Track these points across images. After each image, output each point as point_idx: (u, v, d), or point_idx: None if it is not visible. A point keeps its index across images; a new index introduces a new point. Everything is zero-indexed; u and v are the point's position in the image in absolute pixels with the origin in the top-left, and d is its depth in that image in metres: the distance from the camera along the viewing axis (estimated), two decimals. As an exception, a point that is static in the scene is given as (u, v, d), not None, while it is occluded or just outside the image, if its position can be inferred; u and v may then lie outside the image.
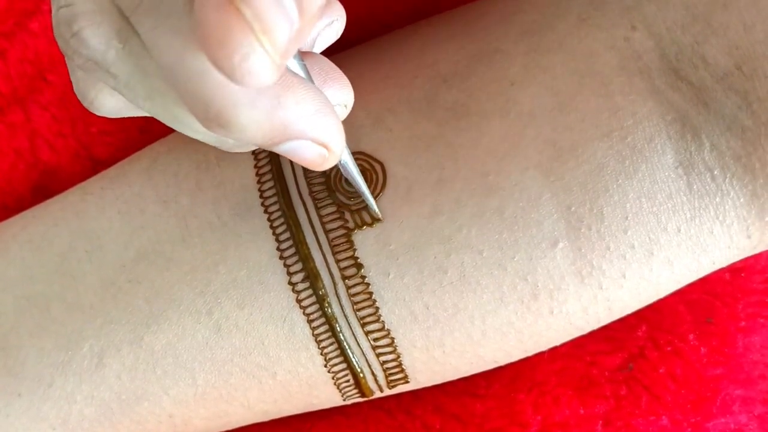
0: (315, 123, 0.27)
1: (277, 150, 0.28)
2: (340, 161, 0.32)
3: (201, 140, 0.31)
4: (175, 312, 0.37)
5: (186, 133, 0.30)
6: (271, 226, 0.37)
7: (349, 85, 0.31)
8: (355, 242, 0.36)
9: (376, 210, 0.36)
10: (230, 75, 0.24)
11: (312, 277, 0.36)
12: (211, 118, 0.26)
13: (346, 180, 0.37)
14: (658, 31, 0.35)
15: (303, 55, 0.29)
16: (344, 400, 0.39)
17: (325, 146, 0.28)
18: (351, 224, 0.36)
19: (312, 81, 0.29)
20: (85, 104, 0.31)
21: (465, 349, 0.37)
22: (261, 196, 0.37)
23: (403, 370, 0.38)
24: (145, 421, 0.39)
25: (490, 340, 0.37)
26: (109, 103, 0.30)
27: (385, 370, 0.38)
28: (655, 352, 0.42)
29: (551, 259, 0.35)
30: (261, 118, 0.26)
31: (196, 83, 0.25)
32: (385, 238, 0.36)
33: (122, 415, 0.38)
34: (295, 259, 0.36)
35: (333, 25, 0.31)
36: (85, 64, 0.28)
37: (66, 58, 0.29)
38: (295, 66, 0.28)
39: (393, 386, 0.39)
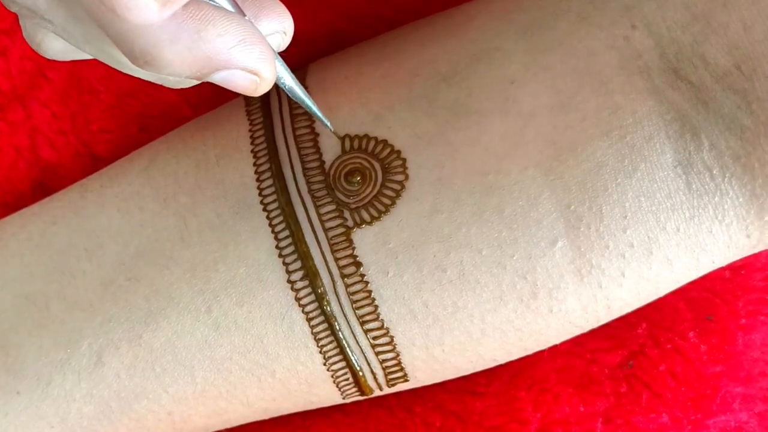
0: (239, 53, 0.27)
1: (210, 80, 0.28)
2: (285, 86, 0.32)
3: (144, 78, 0.31)
4: (174, 310, 0.37)
5: (129, 73, 0.31)
6: (270, 225, 0.37)
7: (286, 12, 0.31)
8: (354, 240, 0.36)
9: (328, 123, 0.36)
10: (112, 10, 0.24)
11: (311, 275, 0.36)
12: (137, 56, 0.26)
13: (346, 178, 0.37)
14: (658, 31, 0.35)
15: None
16: (344, 398, 0.40)
17: (255, 73, 0.28)
18: (350, 222, 0.36)
19: (242, 13, 0.29)
20: (34, 47, 0.31)
21: (465, 348, 0.37)
22: (260, 194, 0.37)
23: (402, 369, 0.38)
24: (144, 419, 0.39)
25: (490, 338, 0.37)
26: (55, 46, 0.31)
27: (384, 369, 0.38)
28: (655, 349, 0.42)
29: (550, 257, 0.35)
30: (183, 52, 0.27)
31: (117, 25, 0.26)
32: (384, 237, 0.36)
33: (121, 413, 0.38)
34: (294, 257, 0.37)
35: None
36: (21, 11, 0.29)
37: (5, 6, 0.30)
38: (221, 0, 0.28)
39: (392, 385, 0.39)
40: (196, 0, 0.27)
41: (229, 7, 0.28)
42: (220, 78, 0.28)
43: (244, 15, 0.29)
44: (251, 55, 0.28)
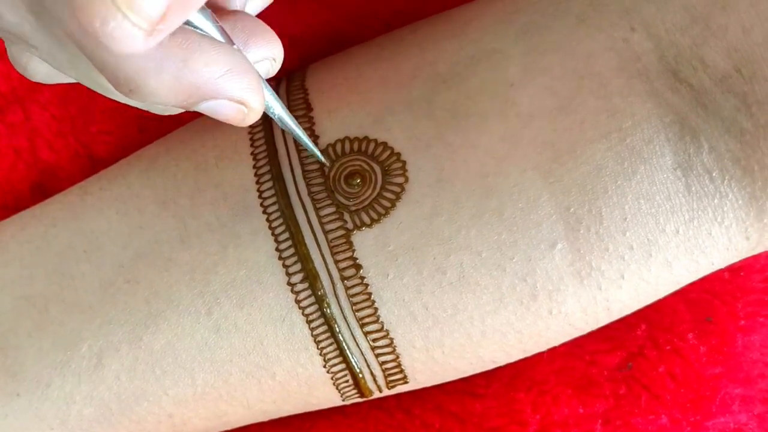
0: (226, 83, 0.27)
1: (197, 109, 0.28)
2: (274, 115, 0.32)
3: (131, 105, 0.31)
4: (174, 312, 0.37)
5: (114, 99, 0.30)
6: (270, 227, 0.37)
7: (276, 39, 0.31)
8: (354, 243, 0.36)
9: (321, 157, 0.36)
10: (97, 39, 0.24)
11: (311, 277, 0.36)
12: (122, 84, 0.26)
13: (346, 180, 0.37)
14: (657, 33, 0.35)
15: (227, 15, 0.30)
16: (343, 400, 0.40)
17: (243, 103, 0.28)
18: (350, 225, 0.36)
19: (230, 41, 0.29)
20: (20, 70, 0.31)
21: (464, 350, 0.37)
22: (260, 197, 0.37)
23: (402, 371, 0.38)
24: (144, 421, 0.39)
25: (490, 340, 0.37)
26: (41, 69, 0.31)
27: (384, 371, 0.38)
28: (654, 351, 0.42)
29: (550, 260, 0.35)
30: (170, 81, 0.26)
31: (101, 52, 0.25)
32: (384, 239, 0.36)
33: (121, 415, 0.38)
34: (294, 259, 0.37)
35: None
36: (6, 36, 0.28)
37: None
38: (209, 27, 0.28)
39: (392, 386, 0.39)
40: (183, 29, 0.26)
41: (218, 36, 0.28)
42: (206, 107, 0.28)
43: (233, 43, 0.29)
44: (238, 85, 0.27)
